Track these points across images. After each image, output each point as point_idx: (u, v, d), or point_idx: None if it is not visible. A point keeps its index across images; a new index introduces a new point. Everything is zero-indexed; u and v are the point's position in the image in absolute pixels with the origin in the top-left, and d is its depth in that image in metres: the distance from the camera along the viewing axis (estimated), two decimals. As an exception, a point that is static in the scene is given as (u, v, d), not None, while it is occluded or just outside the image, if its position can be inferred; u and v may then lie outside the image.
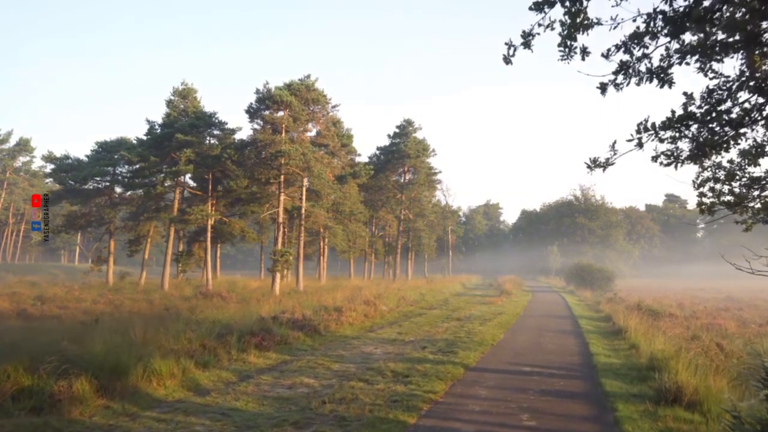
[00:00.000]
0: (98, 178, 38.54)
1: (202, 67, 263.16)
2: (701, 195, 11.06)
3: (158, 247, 64.72)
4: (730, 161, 9.83)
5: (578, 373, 9.87)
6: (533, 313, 23.02)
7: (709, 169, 11.09)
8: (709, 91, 4.74)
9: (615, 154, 4.84)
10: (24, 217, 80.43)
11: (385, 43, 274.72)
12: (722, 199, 10.74)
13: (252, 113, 32.27)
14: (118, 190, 39.88)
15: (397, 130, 56.13)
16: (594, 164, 4.91)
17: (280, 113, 31.93)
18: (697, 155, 4.91)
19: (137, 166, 35.47)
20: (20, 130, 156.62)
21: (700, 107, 4.86)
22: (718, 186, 10.72)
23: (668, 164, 4.99)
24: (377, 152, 56.45)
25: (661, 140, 4.88)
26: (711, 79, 4.78)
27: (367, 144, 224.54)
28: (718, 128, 4.82)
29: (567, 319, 21.22)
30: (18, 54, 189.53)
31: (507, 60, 4.86)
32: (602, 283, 43.13)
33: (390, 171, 54.77)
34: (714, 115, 4.71)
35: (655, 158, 5.02)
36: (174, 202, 36.80)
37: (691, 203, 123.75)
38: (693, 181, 10.98)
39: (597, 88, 4.80)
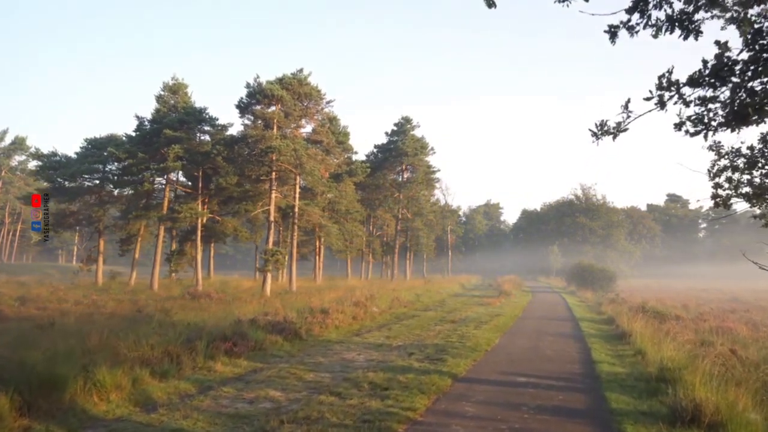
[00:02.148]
0: (87, 176, 37.57)
1: (200, 66, 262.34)
2: (717, 186, 9.89)
3: (154, 246, 63.84)
4: (750, 147, 8.63)
5: (579, 385, 8.83)
6: (532, 315, 21.99)
7: (726, 156, 9.92)
8: (756, 33, 3.63)
9: (629, 116, 3.79)
10: (21, 217, 79.48)
11: (384, 46, 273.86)
12: (740, 190, 9.51)
13: (242, 108, 31.24)
14: (109, 187, 38.90)
15: (395, 128, 55.13)
16: (601, 131, 3.87)
17: (272, 108, 30.89)
18: (735, 120, 3.83)
19: (125, 163, 34.47)
20: (16, 129, 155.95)
21: (736, 63, 3.77)
22: (736, 176, 9.48)
23: (696, 133, 3.93)
24: (375, 150, 55.46)
25: (687, 103, 3.81)
26: (752, 24, 3.70)
27: (367, 145, 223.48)
28: (760, 86, 3.75)
29: (567, 321, 20.20)
30: (15, 52, 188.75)
31: (490, 2, 3.83)
32: (604, 284, 42.18)
33: (388, 169, 53.77)
34: (760, 65, 3.61)
35: (678, 125, 3.96)
36: (164, 200, 35.81)
37: (693, 202, 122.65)
38: (708, 170, 9.82)
39: (605, 32, 3.76)
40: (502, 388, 8.40)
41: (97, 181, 37.82)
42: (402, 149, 51.95)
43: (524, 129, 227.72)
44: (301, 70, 32.42)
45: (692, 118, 3.91)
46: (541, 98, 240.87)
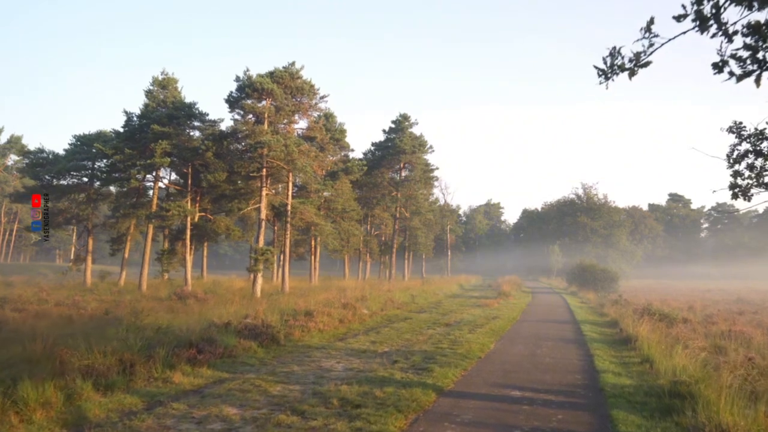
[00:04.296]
0: (75, 173, 36.62)
1: (200, 68, 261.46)
2: (735, 174, 8.68)
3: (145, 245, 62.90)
4: (776, 130, 7.45)
5: (581, 400, 7.74)
6: (531, 318, 20.92)
7: (748, 139, 8.71)
8: None
9: (651, 45, 2.63)
10: (17, 216, 78.67)
11: (386, 49, 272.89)
12: (763, 179, 8.36)
13: (232, 103, 30.13)
14: (97, 185, 37.89)
15: (393, 126, 54.03)
16: (612, 68, 2.71)
17: (263, 102, 29.83)
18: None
19: (112, 159, 33.42)
20: (13, 128, 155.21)
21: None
22: (759, 162, 8.33)
23: (745, 74, 2.77)
24: (372, 148, 54.38)
25: (729, 35, 2.67)
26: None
27: (367, 146, 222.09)
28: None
29: (568, 324, 19.11)
30: (13, 52, 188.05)
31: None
32: (606, 284, 41.17)
33: (385, 167, 52.63)
34: None
35: (719, 66, 2.81)
36: (153, 197, 34.79)
37: (696, 202, 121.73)
38: (727, 156, 8.66)
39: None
40: (493, 405, 7.33)
41: (86, 179, 36.87)
42: (400, 147, 50.85)
43: (525, 128, 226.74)
44: (293, 64, 31.33)
45: (738, 55, 2.72)
46: (542, 98, 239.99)
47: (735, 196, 8.84)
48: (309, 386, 8.21)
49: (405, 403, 7.07)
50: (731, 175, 8.56)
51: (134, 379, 8.36)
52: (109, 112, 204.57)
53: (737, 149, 8.31)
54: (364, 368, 9.65)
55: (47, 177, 36.63)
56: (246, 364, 10.06)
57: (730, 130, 8.04)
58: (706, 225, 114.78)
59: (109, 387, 7.76)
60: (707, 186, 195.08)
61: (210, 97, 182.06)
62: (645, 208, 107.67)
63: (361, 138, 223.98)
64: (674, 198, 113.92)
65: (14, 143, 77.48)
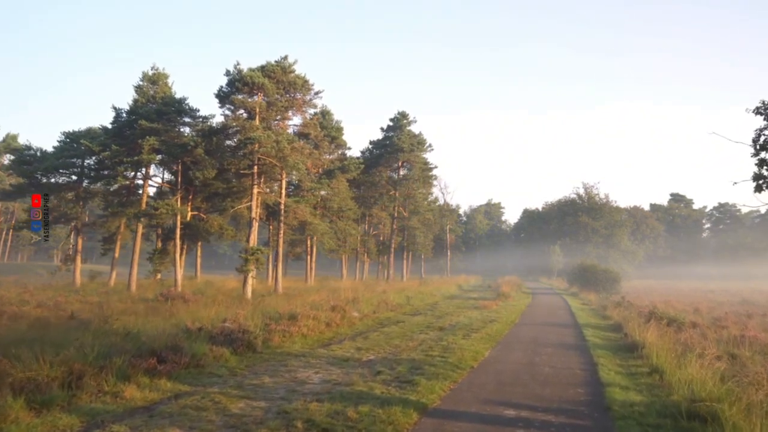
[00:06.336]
0: (64, 171, 35.71)
1: (200, 67, 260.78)
2: (761, 163, 7.73)
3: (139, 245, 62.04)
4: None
5: (585, 422, 6.76)
6: (530, 321, 19.94)
7: None
8: None
9: None
10: (14, 215, 77.95)
11: (387, 51, 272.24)
12: None
13: (222, 98, 29.14)
14: (85, 183, 36.98)
15: (391, 123, 53.08)
16: None
17: (254, 98, 28.85)
18: None
19: (100, 156, 32.48)
20: (8, 126, 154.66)
21: None
22: None
23: None
24: (370, 146, 53.44)
25: None
26: None
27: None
28: None
29: (569, 328, 18.13)
30: (10, 49, 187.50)
31: None
32: (607, 285, 40.28)
33: (383, 166, 51.68)
34: None
35: None
36: (142, 195, 33.84)
37: (698, 202, 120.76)
38: (753, 141, 7.68)
39: None
40: (483, 428, 6.34)
41: (75, 177, 35.97)
42: (398, 145, 49.88)
43: (525, 128, 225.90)
44: (285, 58, 30.33)
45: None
46: (542, 99, 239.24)
47: (759, 189, 7.77)
48: (276, 403, 7.24)
49: (380, 426, 6.09)
50: (756, 164, 7.51)
51: (80, 393, 7.39)
52: (108, 110, 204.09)
53: (764, 134, 7.28)
54: (342, 380, 8.67)
55: (36, 175, 35.73)
56: (213, 375, 9.09)
57: (757, 111, 7.02)
58: (708, 225, 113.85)
59: (46, 404, 6.79)
60: (708, 186, 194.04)
61: (206, 97, 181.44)
62: (646, 208, 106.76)
63: (361, 143, 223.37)
64: (676, 198, 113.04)
65: (9, 141, 76.76)
